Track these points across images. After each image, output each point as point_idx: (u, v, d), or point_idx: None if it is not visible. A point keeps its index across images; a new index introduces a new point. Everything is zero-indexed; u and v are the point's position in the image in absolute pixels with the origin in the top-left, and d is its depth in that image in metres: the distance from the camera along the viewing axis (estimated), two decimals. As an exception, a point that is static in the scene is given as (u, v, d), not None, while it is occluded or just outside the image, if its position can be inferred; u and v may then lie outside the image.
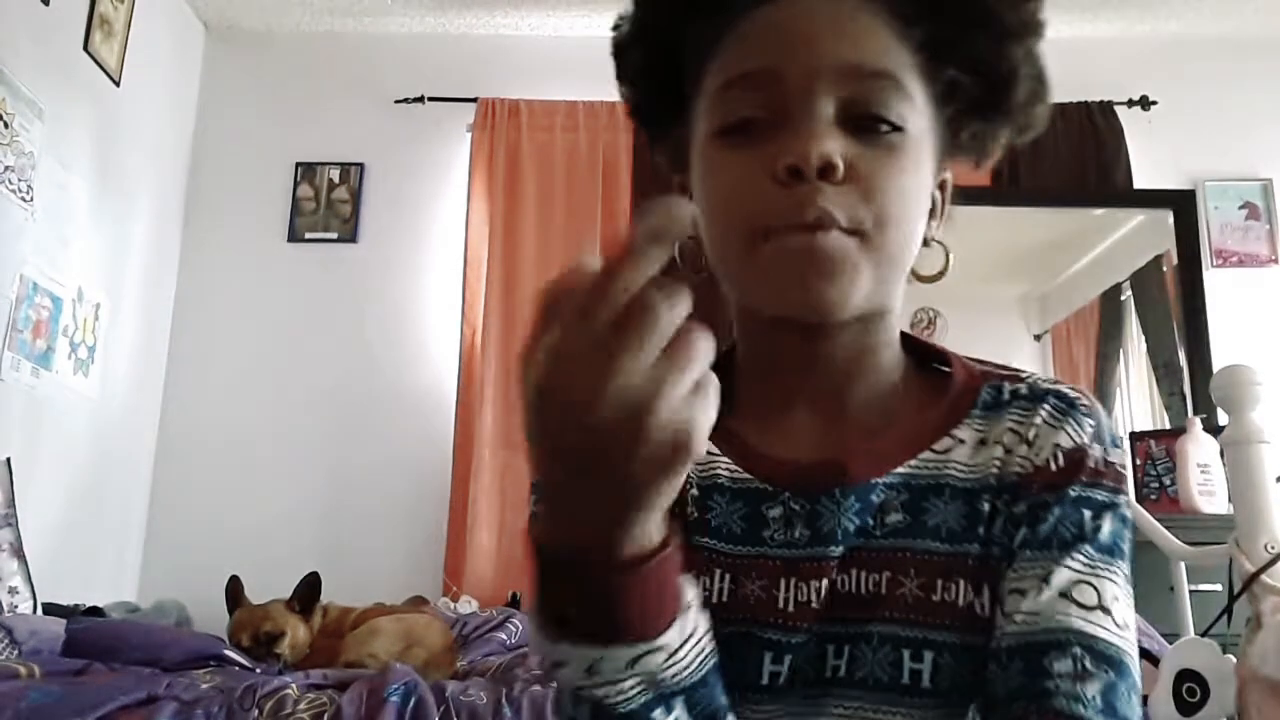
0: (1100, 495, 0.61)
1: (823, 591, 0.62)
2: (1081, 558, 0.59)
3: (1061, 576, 0.58)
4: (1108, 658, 0.56)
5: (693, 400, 0.41)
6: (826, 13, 0.62)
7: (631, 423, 0.40)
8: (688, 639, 0.50)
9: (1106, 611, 0.58)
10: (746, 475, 0.66)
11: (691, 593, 0.51)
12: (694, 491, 0.67)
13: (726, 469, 0.67)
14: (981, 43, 0.63)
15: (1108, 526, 0.60)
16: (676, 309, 0.40)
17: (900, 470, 0.64)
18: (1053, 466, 0.61)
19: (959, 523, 0.62)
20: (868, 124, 0.60)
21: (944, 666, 0.60)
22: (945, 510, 0.63)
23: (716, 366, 0.72)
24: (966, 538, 0.62)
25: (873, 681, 0.61)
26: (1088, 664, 0.56)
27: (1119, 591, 0.59)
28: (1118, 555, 0.61)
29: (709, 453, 0.67)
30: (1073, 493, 0.61)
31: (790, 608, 0.62)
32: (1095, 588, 0.58)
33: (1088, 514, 0.60)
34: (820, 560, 0.63)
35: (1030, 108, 0.66)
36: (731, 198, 0.62)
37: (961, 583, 0.61)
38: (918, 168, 0.62)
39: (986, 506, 0.62)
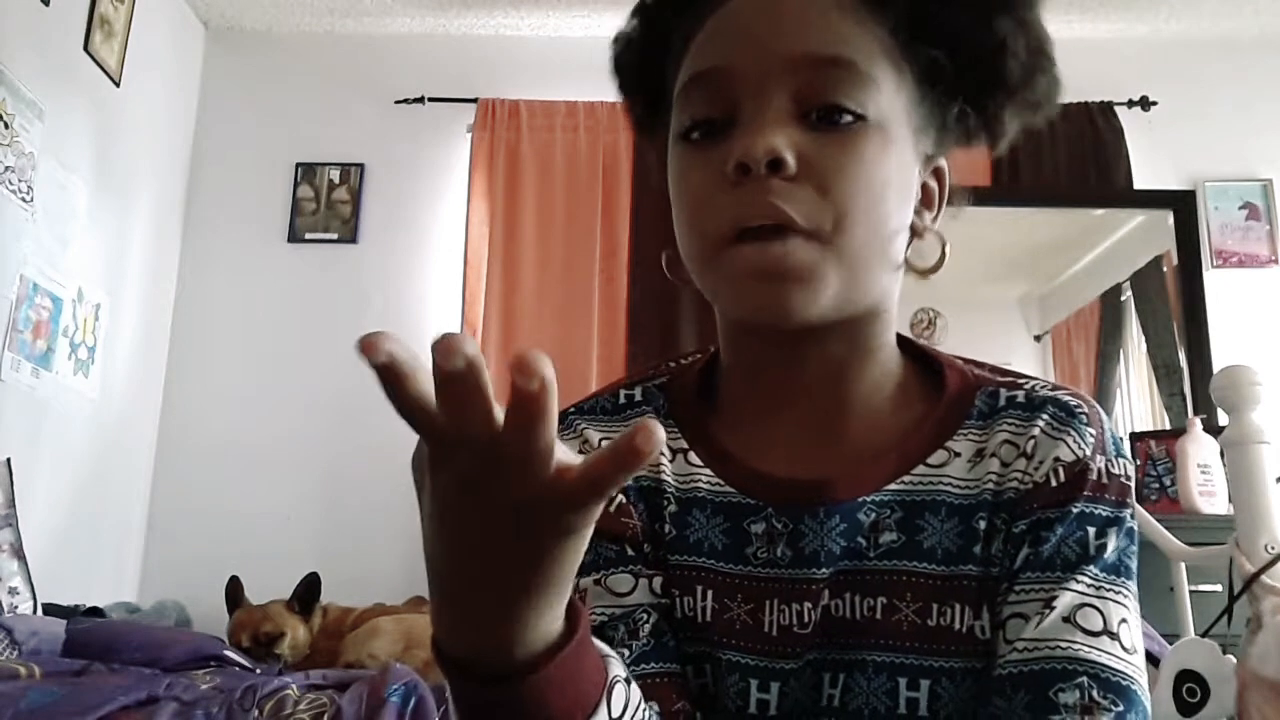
0: (1104, 510, 0.58)
1: (812, 615, 0.59)
2: (1086, 579, 0.57)
3: (1065, 600, 0.56)
4: (1116, 687, 0.54)
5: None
6: (779, 4, 0.60)
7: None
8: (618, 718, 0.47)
9: (1114, 637, 0.55)
10: (729, 489, 0.63)
11: (617, 667, 0.48)
12: (671, 508, 0.63)
13: (708, 481, 0.63)
14: (958, 17, 0.60)
15: (1112, 543, 0.58)
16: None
17: (892, 487, 0.61)
18: (1053, 482, 0.59)
19: (955, 542, 0.59)
20: (826, 114, 0.57)
21: (943, 694, 0.58)
22: (941, 529, 0.60)
23: (703, 372, 0.71)
24: (964, 558, 0.59)
25: (869, 712, 0.58)
26: (1095, 695, 0.53)
27: (1126, 613, 0.57)
28: (1124, 574, 0.58)
29: (689, 464, 0.64)
30: (1075, 509, 0.58)
31: (774, 632, 0.60)
32: (1101, 611, 0.56)
33: (1091, 531, 0.58)
34: (805, 582, 0.60)
35: (1030, 82, 0.62)
36: (692, 203, 0.60)
37: (959, 606, 0.58)
38: (884, 156, 0.58)
39: (983, 524, 0.59)
